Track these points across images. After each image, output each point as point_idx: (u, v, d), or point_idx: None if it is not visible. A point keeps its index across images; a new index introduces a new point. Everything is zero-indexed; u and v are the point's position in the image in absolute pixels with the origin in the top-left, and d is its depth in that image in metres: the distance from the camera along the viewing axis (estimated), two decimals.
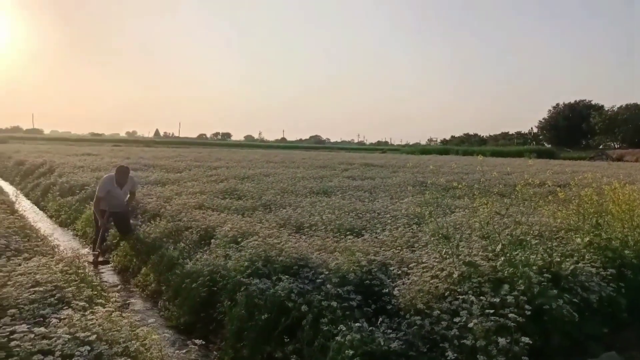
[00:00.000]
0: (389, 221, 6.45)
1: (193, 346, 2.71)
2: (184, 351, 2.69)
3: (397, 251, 4.80)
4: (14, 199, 9.57)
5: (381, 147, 76.40)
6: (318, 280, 4.21)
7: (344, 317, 3.71)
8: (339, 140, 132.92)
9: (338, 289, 3.98)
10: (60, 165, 16.00)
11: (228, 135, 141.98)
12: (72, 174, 13.26)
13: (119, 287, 6.04)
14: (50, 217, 10.75)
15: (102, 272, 6.53)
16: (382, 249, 4.97)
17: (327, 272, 4.30)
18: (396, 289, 3.96)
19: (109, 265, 7.04)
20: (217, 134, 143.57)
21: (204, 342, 2.82)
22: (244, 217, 7.06)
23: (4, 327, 2.77)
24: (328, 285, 4.04)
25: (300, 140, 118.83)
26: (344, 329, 3.36)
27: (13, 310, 3.02)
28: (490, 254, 4.28)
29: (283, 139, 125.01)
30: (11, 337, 2.61)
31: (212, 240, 5.91)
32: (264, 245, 5.01)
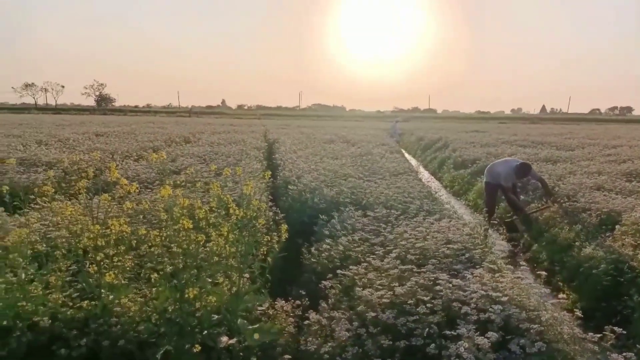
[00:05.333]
0: None
1: (610, 334, 2.53)
2: (598, 336, 2.54)
3: None
4: (416, 169, 11.12)
5: None
6: None
7: None
8: None
9: None
10: (453, 141, 17.53)
11: (628, 109, 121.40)
12: (464, 149, 14.32)
13: (509, 259, 6.23)
14: (445, 187, 11.99)
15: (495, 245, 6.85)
16: None
17: None
18: None
19: (500, 237, 7.33)
20: (613, 108, 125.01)
21: (624, 332, 2.58)
22: None
23: (428, 272, 3.33)
24: None
25: None
26: None
27: (433, 261, 3.58)
28: None
29: None
30: (436, 282, 3.11)
31: (617, 227, 5.29)
32: None
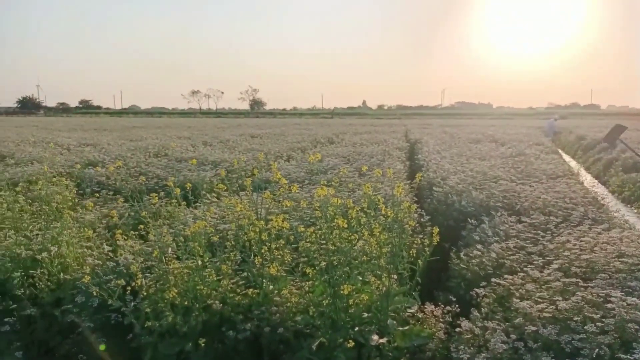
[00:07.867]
0: None
1: None
2: None
3: None
4: (577, 172, 10.05)
5: None
6: None
7: None
8: None
9: None
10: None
11: None
12: (635, 150, 12.55)
13: None
14: (612, 192, 10.66)
15: None
16: None
17: None
18: None
19: None
20: None
21: None
22: None
23: (597, 288, 3.01)
24: None
25: None
26: None
27: (603, 275, 3.21)
28: None
29: None
30: (607, 299, 2.80)
31: None
32: None
